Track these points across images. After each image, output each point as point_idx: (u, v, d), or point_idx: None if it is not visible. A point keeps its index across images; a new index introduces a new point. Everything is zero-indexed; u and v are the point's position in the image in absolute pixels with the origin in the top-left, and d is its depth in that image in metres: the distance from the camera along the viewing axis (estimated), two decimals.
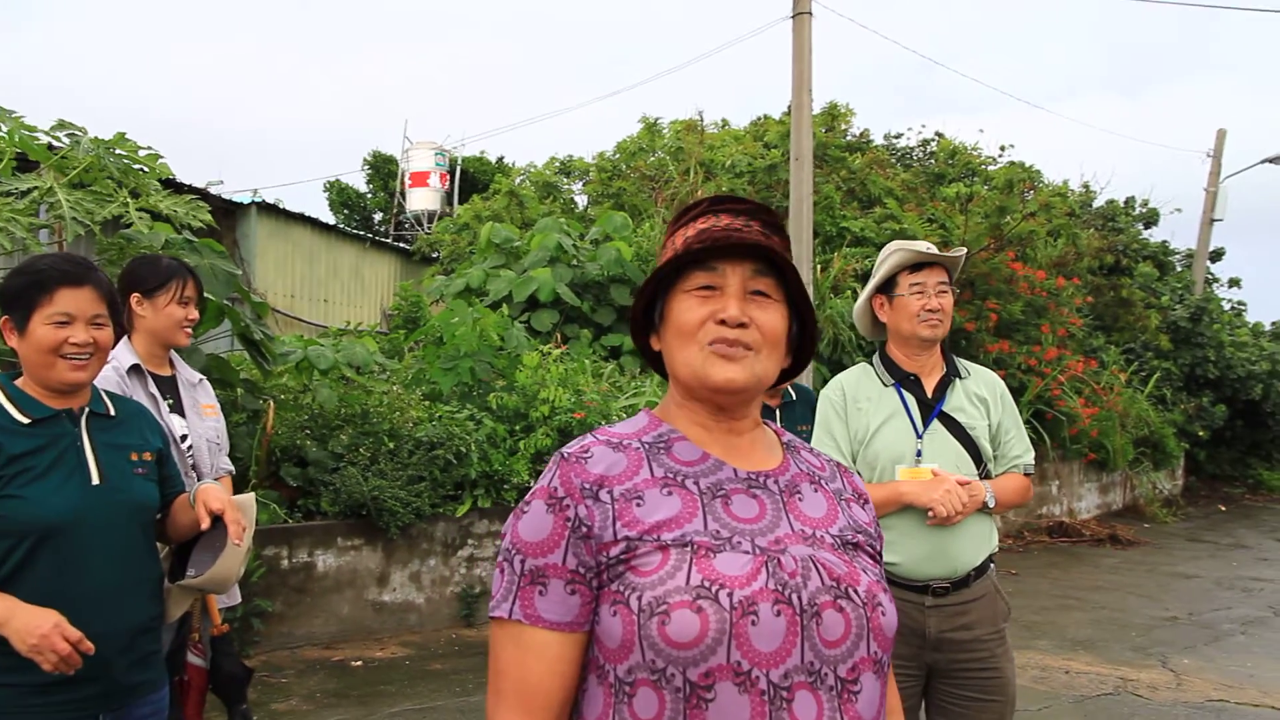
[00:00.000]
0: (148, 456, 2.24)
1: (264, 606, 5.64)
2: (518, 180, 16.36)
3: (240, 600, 3.14)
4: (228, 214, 11.35)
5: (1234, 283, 21.80)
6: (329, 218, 21.36)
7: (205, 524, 2.21)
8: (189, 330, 2.95)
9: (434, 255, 15.18)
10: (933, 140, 16.42)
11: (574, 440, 1.28)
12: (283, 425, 6.60)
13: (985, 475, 2.69)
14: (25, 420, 2.08)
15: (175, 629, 2.79)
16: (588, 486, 1.18)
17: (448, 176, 21.43)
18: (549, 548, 1.16)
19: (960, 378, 2.77)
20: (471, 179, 21.90)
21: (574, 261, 10.58)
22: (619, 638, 1.12)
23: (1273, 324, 22.05)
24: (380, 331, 11.33)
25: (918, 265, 2.71)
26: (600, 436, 1.25)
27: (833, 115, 14.30)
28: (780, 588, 1.12)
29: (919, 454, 2.65)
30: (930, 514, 2.54)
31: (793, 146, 9.39)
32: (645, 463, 1.22)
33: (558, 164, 17.35)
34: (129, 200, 4.58)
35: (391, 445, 6.57)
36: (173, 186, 9.43)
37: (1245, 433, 17.44)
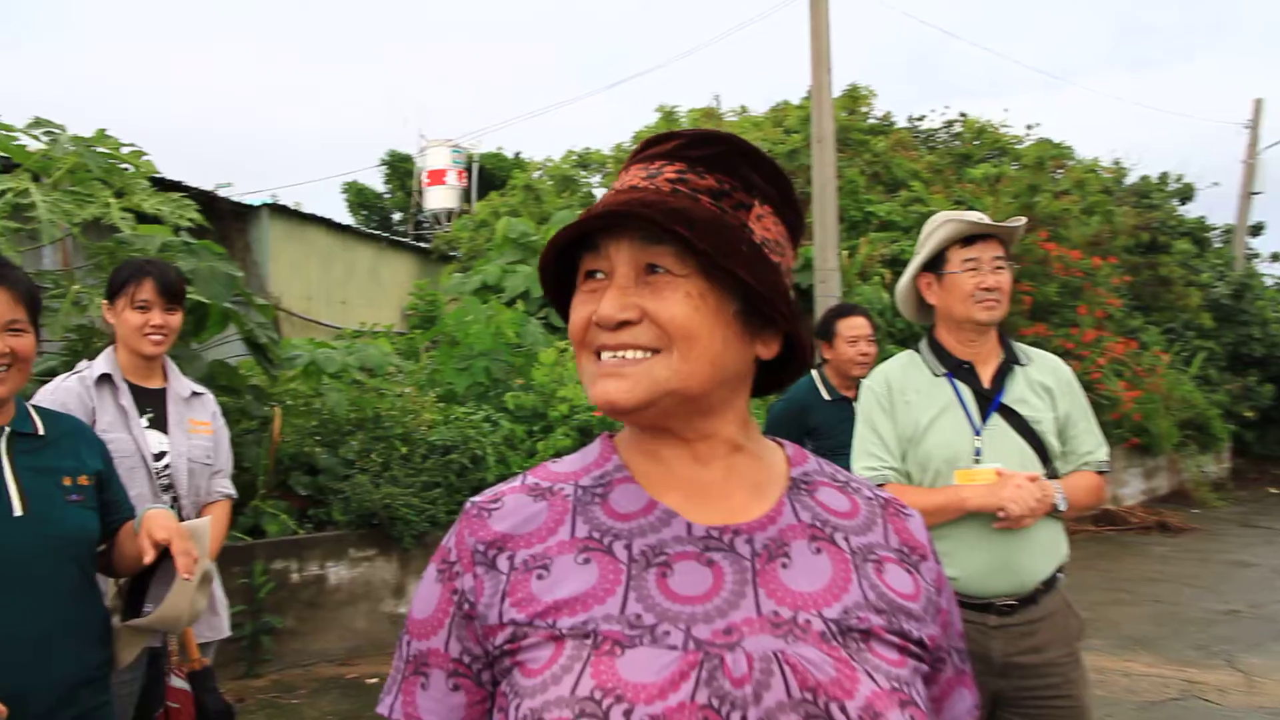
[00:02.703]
0: (84, 480, 1.95)
1: (274, 623, 5.38)
2: (535, 175, 16.12)
3: (228, 633, 2.86)
4: (239, 217, 11.15)
5: (1276, 257, 21.15)
6: (348, 219, 21.19)
7: (149, 556, 1.91)
8: (155, 338, 2.65)
9: (452, 253, 14.95)
10: (957, 121, 15.96)
11: (491, 487, 0.98)
12: (292, 432, 6.34)
13: (1052, 475, 2.35)
14: None
15: (143, 668, 2.51)
16: (481, 550, 0.91)
17: (465, 174, 21.21)
18: (433, 627, 0.92)
19: (1020, 364, 2.43)
20: (489, 176, 21.66)
21: None
22: None
23: None
24: (398, 332, 11.08)
25: (970, 238, 2.37)
26: (529, 479, 0.97)
27: (854, 98, 13.90)
28: (715, 703, 0.79)
29: (978, 453, 2.32)
30: (1000, 515, 2.20)
31: (814, 128, 9.03)
32: (569, 517, 0.92)
33: (575, 157, 17.07)
34: (111, 201, 4.30)
35: (404, 450, 6.29)
36: (173, 187, 9.22)
37: None
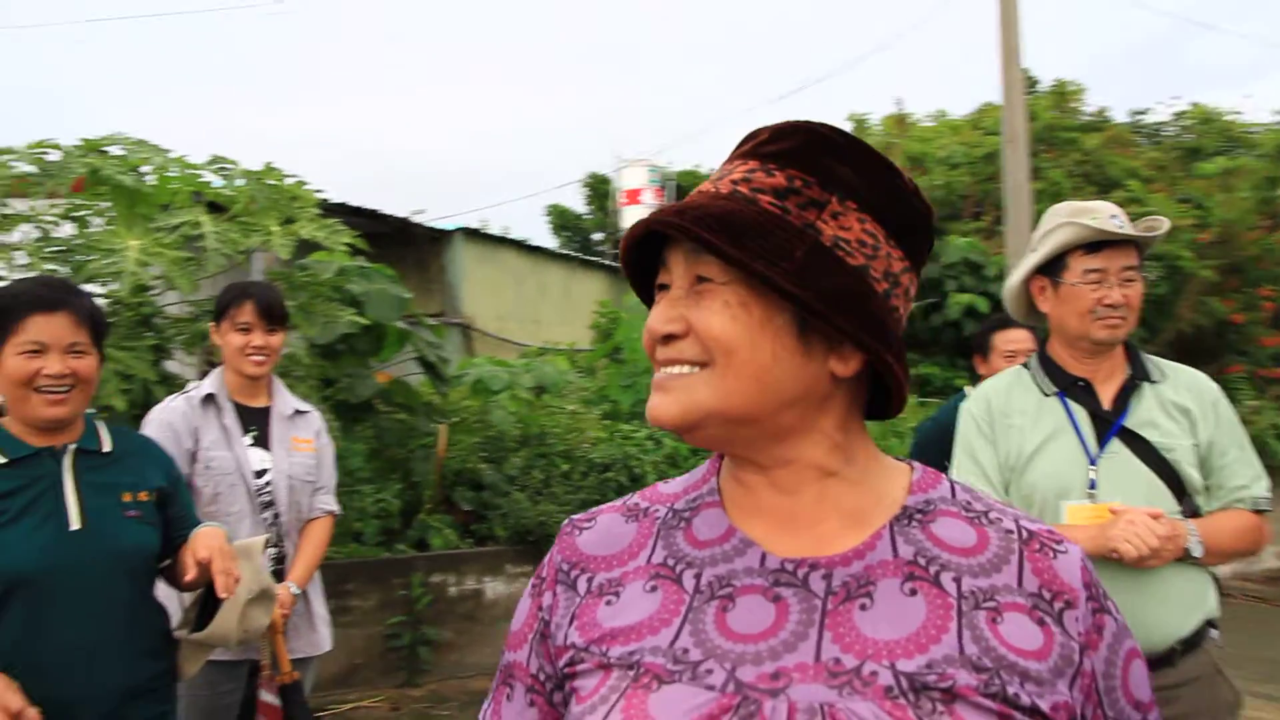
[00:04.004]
0: (143, 496, 2.00)
1: (432, 635, 5.52)
2: None
3: (329, 648, 2.90)
4: (434, 241, 11.71)
5: None
6: (551, 241, 21.94)
7: (190, 574, 1.95)
8: (256, 359, 2.74)
9: None
10: (1188, 113, 14.54)
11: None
12: (459, 448, 6.53)
13: (1192, 513, 1.99)
14: (1, 460, 1.89)
15: (243, 679, 2.58)
16: (566, 569, 0.91)
17: (662, 192, 21.46)
18: (519, 640, 0.92)
19: (1152, 381, 2.07)
20: (685, 193, 21.77)
21: None
22: None
23: None
24: (579, 350, 11.28)
25: (1096, 244, 2.04)
26: (632, 499, 0.95)
27: (1061, 94, 12.97)
28: None
29: (1092, 485, 1.99)
30: (1113, 554, 1.88)
31: (1004, 127, 8.44)
32: (651, 541, 0.89)
33: None
34: (274, 229, 4.56)
35: (565, 467, 6.33)
36: (369, 215, 9.76)
37: None
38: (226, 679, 2.60)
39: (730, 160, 0.86)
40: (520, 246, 13.49)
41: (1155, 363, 2.11)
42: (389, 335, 6.67)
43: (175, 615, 2.21)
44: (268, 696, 2.53)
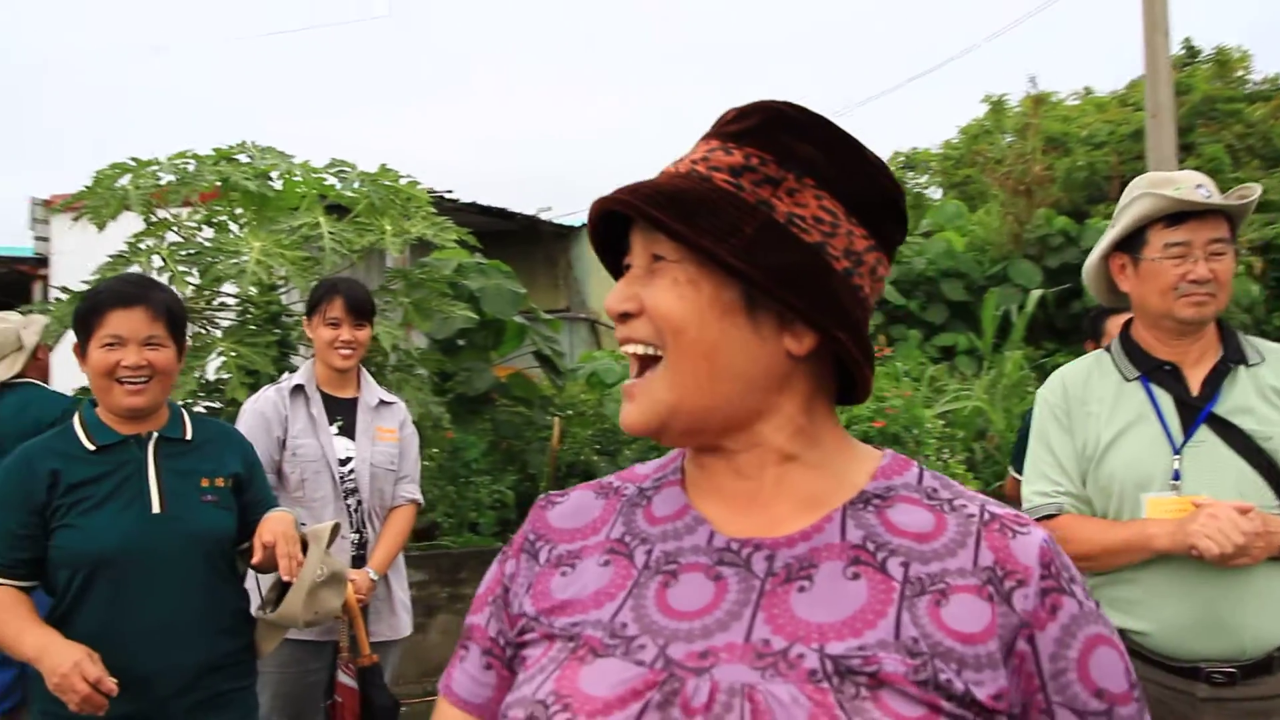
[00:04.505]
0: (220, 482, 2.11)
1: None
2: None
3: (409, 633, 3.00)
4: (561, 238, 11.91)
5: None
6: None
7: (256, 556, 2.04)
8: (344, 352, 2.85)
9: None
10: None
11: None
12: (574, 440, 6.62)
13: None
14: (91, 447, 2.02)
15: (330, 659, 2.69)
16: (532, 539, 0.92)
17: None
18: (481, 604, 0.93)
19: (1247, 364, 1.91)
20: None
21: (900, 258, 9.78)
22: None
23: None
24: None
25: (1177, 216, 1.90)
26: (609, 479, 0.96)
27: (1222, 62, 12.09)
28: None
29: (1176, 476, 1.85)
30: (1193, 552, 1.74)
31: (1147, 101, 7.94)
32: (614, 518, 0.90)
33: (901, 159, 16.46)
34: (386, 228, 4.73)
35: None
36: (496, 214, 10.01)
37: None
38: (312, 658, 2.71)
39: (697, 142, 0.86)
40: None
41: (1254, 344, 1.94)
42: (508, 330, 6.84)
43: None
44: (345, 678, 2.62)
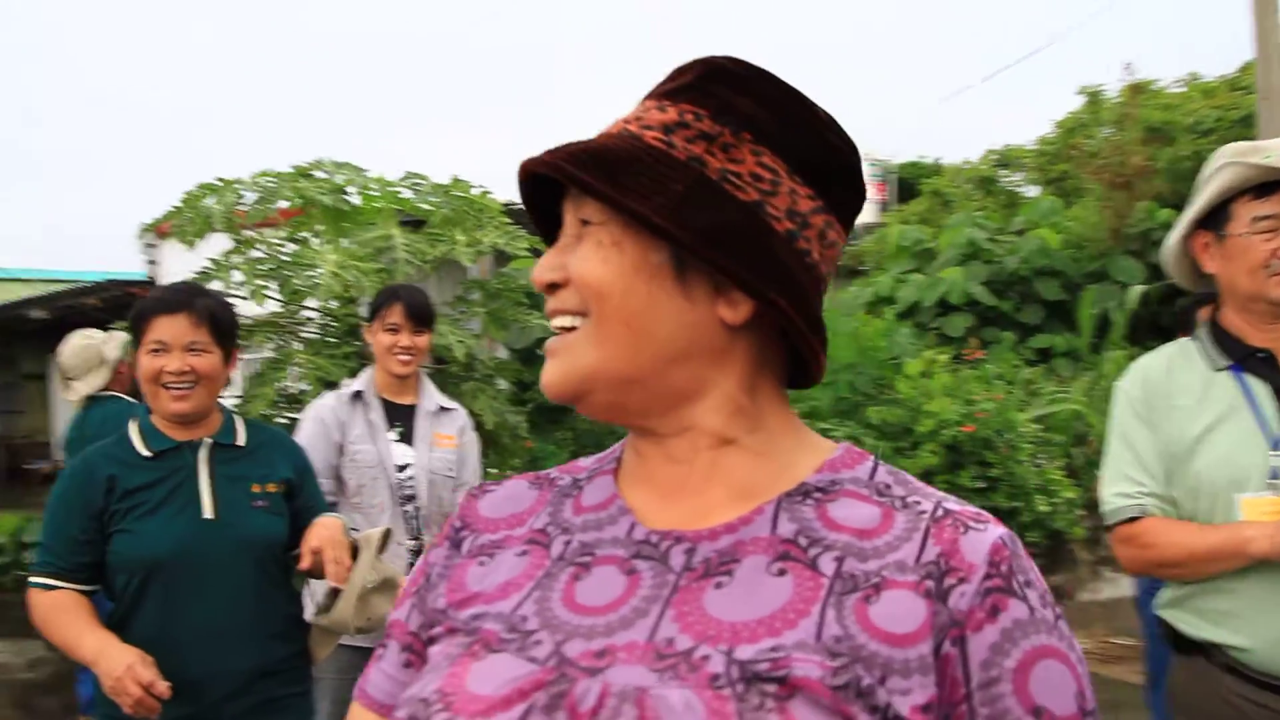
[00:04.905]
0: (271, 488, 2.11)
1: None
2: (956, 180, 15.40)
3: None
4: None
5: None
6: None
7: (304, 561, 2.04)
8: (403, 358, 2.85)
9: (862, 267, 14.71)
10: None
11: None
12: None
13: None
14: (147, 453, 2.05)
15: None
16: (457, 528, 0.86)
17: (884, 186, 20.77)
18: (403, 598, 0.86)
19: None
20: (910, 186, 20.99)
21: (992, 257, 9.45)
22: None
23: None
24: None
25: (1266, 186, 1.74)
26: (547, 471, 0.90)
27: None
28: None
29: (1274, 475, 1.68)
30: None
31: (1258, 80, 7.50)
32: (545, 508, 0.83)
33: (995, 156, 16.00)
34: (459, 238, 4.76)
35: None
36: None
37: None
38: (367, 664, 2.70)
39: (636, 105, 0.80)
40: None
41: None
42: None
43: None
44: None
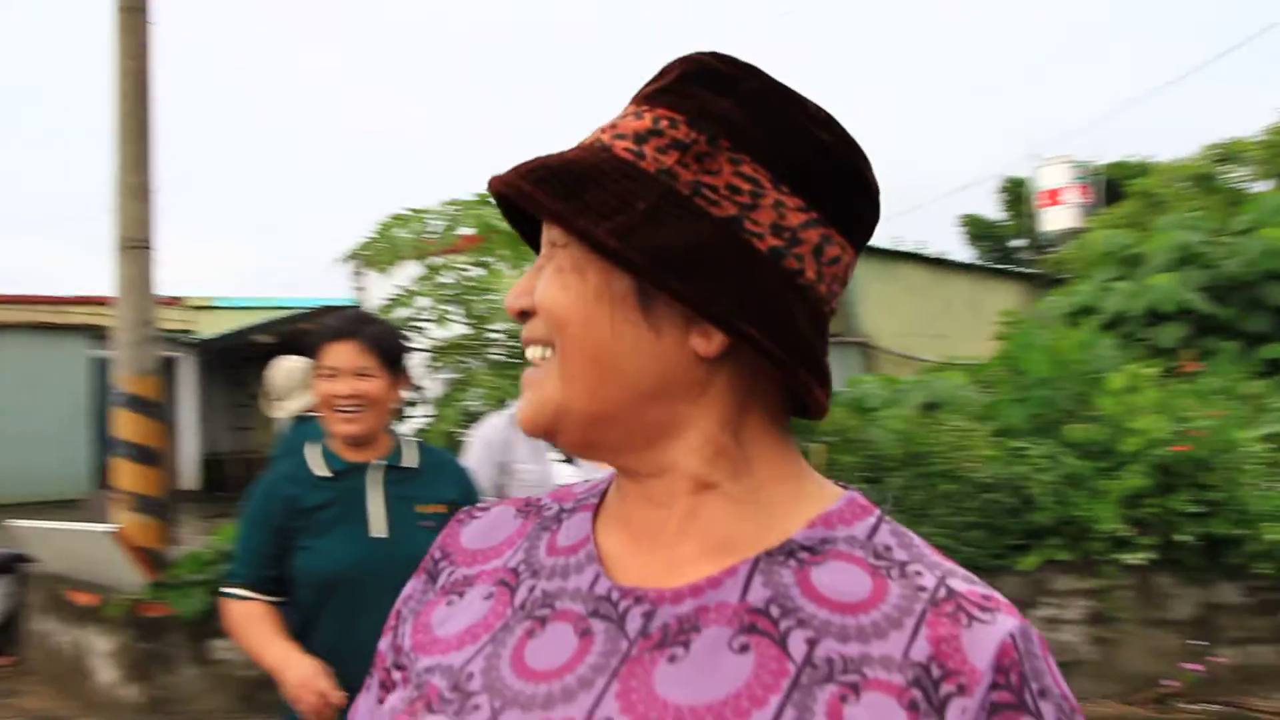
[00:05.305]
0: (436, 509, 2.19)
1: None
2: (1168, 179, 14.34)
3: None
4: None
5: None
6: (965, 253, 20.91)
7: None
8: None
9: (1063, 276, 13.91)
10: None
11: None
12: (838, 467, 6.40)
13: None
14: (324, 474, 2.17)
15: None
16: (436, 558, 0.80)
17: (1088, 189, 19.56)
18: (387, 628, 0.79)
19: None
20: (1117, 188, 19.69)
21: (1209, 261, 8.70)
22: None
23: None
24: (979, 364, 10.61)
25: None
26: (537, 496, 0.82)
27: None
28: None
29: None
30: None
31: None
32: (521, 540, 0.76)
33: (1215, 150, 14.78)
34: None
35: (953, 488, 5.94)
36: None
37: None
38: None
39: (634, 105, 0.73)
40: (920, 260, 13.04)
41: None
42: None
43: None
44: None
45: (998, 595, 0.63)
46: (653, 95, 0.69)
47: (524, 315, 0.69)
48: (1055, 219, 19.56)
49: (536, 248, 0.74)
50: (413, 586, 0.79)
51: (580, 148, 0.68)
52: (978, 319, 13.50)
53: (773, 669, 0.60)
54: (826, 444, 6.43)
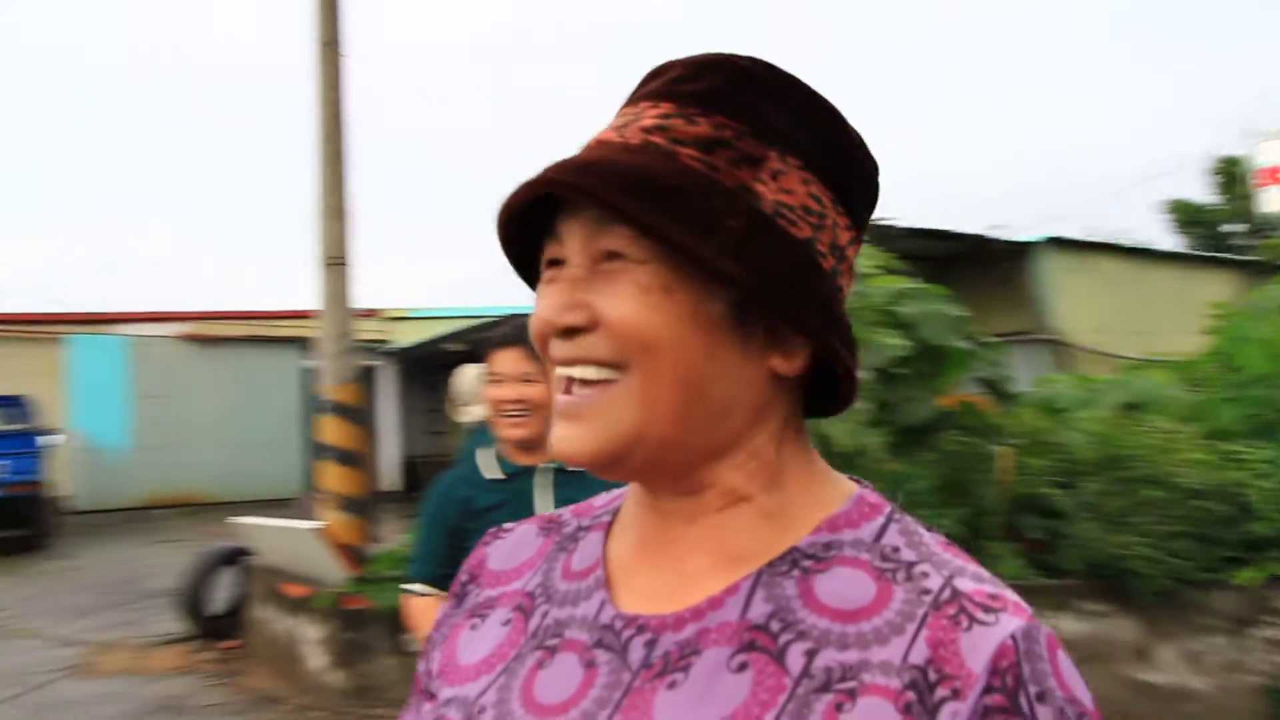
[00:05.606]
0: None
1: None
2: None
3: None
4: (1015, 256, 11.17)
5: None
6: (1170, 240, 19.45)
7: None
8: None
9: None
10: None
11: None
12: (1029, 471, 6.11)
13: None
14: (496, 477, 2.27)
15: None
16: (465, 580, 0.81)
17: None
18: (426, 647, 0.80)
19: None
20: None
21: None
22: None
23: None
24: (1184, 360, 9.84)
25: None
26: (559, 512, 0.82)
27: None
28: None
29: None
30: None
31: None
32: (541, 561, 0.77)
33: None
34: None
35: (1157, 494, 5.55)
36: (939, 236, 9.62)
37: None
38: None
39: (634, 102, 0.68)
40: (1118, 250, 12.23)
41: None
42: (951, 356, 6.51)
43: None
44: None
45: (1007, 594, 0.60)
46: (700, 97, 0.65)
47: (570, 332, 0.65)
48: (1276, 200, 17.88)
49: (518, 253, 0.71)
50: (444, 609, 0.80)
51: (632, 149, 0.64)
52: (1183, 312, 12.52)
53: (769, 685, 0.59)
54: (1014, 446, 6.14)
